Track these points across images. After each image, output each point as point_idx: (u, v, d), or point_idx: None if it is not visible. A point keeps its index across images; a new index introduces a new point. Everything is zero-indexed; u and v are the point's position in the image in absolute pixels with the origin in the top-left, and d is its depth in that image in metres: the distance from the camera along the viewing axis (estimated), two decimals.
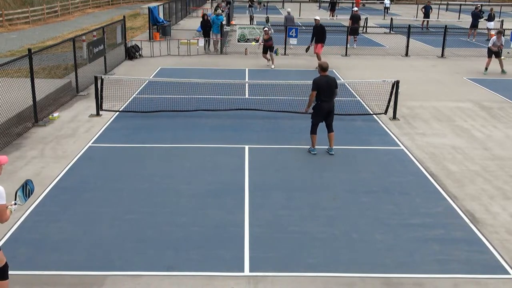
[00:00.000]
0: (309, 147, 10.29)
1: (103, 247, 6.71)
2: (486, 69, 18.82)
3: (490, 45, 18.63)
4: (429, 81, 17.47)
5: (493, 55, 18.67)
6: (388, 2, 44.14)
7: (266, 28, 19.00)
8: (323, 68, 9.93)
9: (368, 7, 54.67)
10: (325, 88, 9.80)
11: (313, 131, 10.15)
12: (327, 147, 10.29)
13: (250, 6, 38.28)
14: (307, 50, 19.26)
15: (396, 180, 9.03)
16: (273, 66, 18.95)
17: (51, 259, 6.40)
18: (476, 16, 28.42)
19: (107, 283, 5.97)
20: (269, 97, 14.29)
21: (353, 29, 24.23)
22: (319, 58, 18.71)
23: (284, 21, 24.56)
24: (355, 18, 24.96)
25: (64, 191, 8.39)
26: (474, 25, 28.33)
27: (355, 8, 26.66)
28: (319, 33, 18.71)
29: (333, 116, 10.17)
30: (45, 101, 12.96)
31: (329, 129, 10.18)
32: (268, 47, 18.91)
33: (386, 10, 43.49)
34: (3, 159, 5.17)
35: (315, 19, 18.96)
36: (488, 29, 28.27)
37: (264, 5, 46.68)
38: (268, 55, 19.03)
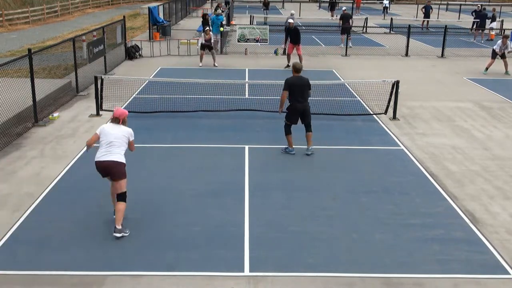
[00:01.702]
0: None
1: (103, 247, 6.71)
2: (487, 69, 18.80)
3: (496, 48, 18.50)
4: (429, 81, 17.47)
5: (497, 57, 18.62)
6: (387, 2, 44.14)
7: (207, 28, 19.42)
8: (296, 69, 9.90)
9: (368, 7, 54.68)
10: (297, 88, 9.78)
11: (287, 131, 10.12)
12: (305, 146, 10.24)
13: (265, 9, 38.31)
14: (284, 52, 19.65)
15: (396, 180, 9.03)
16: (216, 65, 19.33)
17: (51, 259, 6.40)
18: (483, 16, 28.20)
19: (107, 283, 5.98)
20: (269, 97, 14.29)
21: (344, 28, 24.31)
22: (301, 59, 18.91)
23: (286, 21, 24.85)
24: (345, 18, 25.06)
25: (64, 191, 8.39)
26: (481, 25, 28.13)
27: (344, 8, 26.79)
28: (294, 35, 18.79)
29: (310, 117, 10.08)
30: (45, 101, 12.96)
31: (307, 129, 10.12)
32: (206, 46, 19.26)
33: (385, 10, 43.49)
34: (124, 111, 7.37)
35: (289, 22, 19.13)
36: (490, 29, 28.24)
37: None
38: (205, 52, 19.37)
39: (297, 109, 9.88)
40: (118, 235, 6.89)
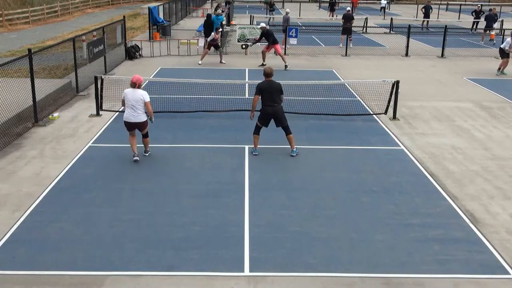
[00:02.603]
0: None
1: (103, 247, 6.71)
2: (499, 69, 18.61)
3: (505, 46, 18.24)
4: (429, 81, 17.47)
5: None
6: (385, 2, 44.21)
7: (220, 30, 20.18)
8: (266, 73, 9.90)
9: (367, 7, 54.68)
10: (268, 93, 9.82)
11: (255, 131, 10.16)
12: (290, 147, 10.23)
13: (270, 10, 38.24)
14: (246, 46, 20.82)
15: (396, 180, 9.03)
16: (224, 62, 19.89)
17: (51, 259, 6.41)
18: (491, 17, 28.04)
19: (107, 283, 5.98)
20: None
21: (345, 28, 24.31)
22: (283, 58, 19.08)
23: (282, 21, 24.96)
24: (347, 18, 25.07)
25: (64, 191, 8.39)
26: (489, 26, 27.93)
27: (348, 8, 26.83)
28: (269, 37, 19.02)
29: (284, 120, 10.03)
30: (45, 101, 12.96)
31: (286, 131, 10.12)
32: (213, 45, 19.80)
33: (382, 10, 43.56)
34: (140, 78, 9.43)
35: (262, 27, 19.34)
36: (489, 30, 28.20)
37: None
38: (209, 51, 19.95)
39: (268, 112, 9.94)
40: (146, 154, 9.95)
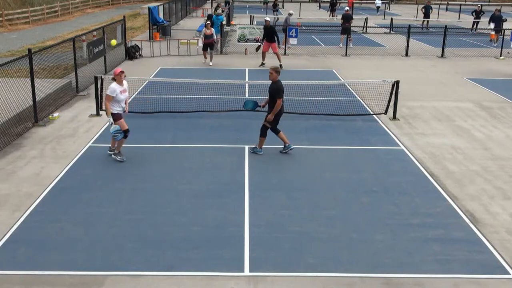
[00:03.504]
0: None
1: (103, 247, 6.71)
2: None
3: None
4: (429, 81, 17.47)
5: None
6: (379, 1, 44.29)
7: (208, 22, 19.50)
8: (279, 72, 9.81)
9: (367, 7, 54.65)
10: (283, 92, 9.83)
11: (264, 134, 10.05)
12: (283, 145, 10.24)
13: (274, 10, 38.14)
14: (257, 49, 20.05)
15: (396, 180, 9.03)
16: (211, 64, 19.45)
17: (51, 259, 6.41)
18: (499, 18, 27.86)
19: (107, 283, 5.98)
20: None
21: (344, 28, 24.31)
22: (279, 57, 19.09)
23: (283, 21, 24.95)
24: (346, 18, 25.08)
25: (64, 191, 8.39)
26: (497, 27, 27.70)
27: (346, 8, 26.80)
28: (269, 34, 18.94)
29: None
30: (45, 101, 12.96)
31: (275, 132, 10.12)
32: (208, 45, 19.31)
33: (378, 10, 43.59)
34: (115, 71, 9.34)
35: (266, 20, 19.24)
36: (490, 30, 28.16)
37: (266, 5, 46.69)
38: (207, 52, 19.54)
39: (281, 112, 9.93)
40: (115, 156, 9.70)
